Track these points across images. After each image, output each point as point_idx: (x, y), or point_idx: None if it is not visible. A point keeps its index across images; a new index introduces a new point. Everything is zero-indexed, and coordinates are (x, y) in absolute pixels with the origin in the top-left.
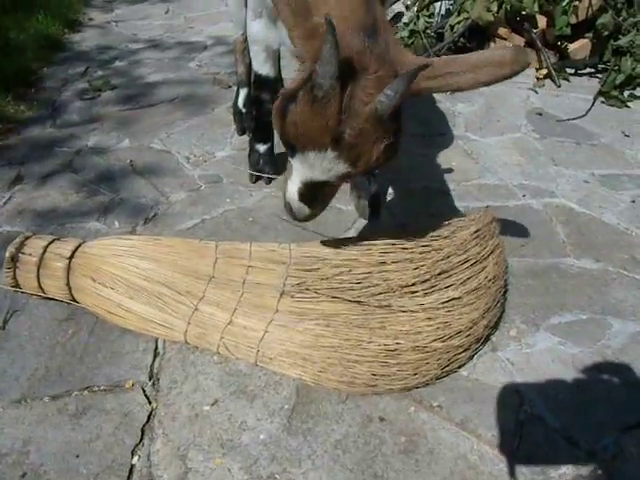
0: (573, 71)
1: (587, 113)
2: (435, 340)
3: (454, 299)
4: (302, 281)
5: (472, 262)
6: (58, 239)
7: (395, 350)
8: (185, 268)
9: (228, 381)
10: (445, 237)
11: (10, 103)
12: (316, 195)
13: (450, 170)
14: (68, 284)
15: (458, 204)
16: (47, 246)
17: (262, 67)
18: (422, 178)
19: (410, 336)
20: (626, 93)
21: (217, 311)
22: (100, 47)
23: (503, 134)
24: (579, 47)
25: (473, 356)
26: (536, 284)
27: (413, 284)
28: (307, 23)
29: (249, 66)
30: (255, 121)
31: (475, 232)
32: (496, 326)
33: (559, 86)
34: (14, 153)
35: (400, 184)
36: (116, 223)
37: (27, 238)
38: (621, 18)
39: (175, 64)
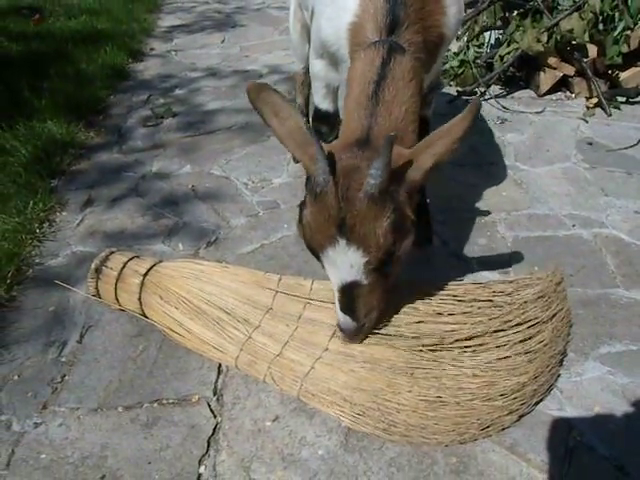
0: (624, 100)
1: (639, 142)
2: (477, 399)
3: (504, 358)
4: None
5: (530, 324)
6: (138, 257)
7: (435, 402)
8: (246, 297)
9: (288, 399)
10: (507, 294)
11: (81, 130)
12: (356, 303)
13: (500, 199)
14: (140, 299)
15: (508, 234)
16: (127, 262)
17: (322, 102)
18: (472, 207)
19: (452, 391)
20: None
21: (269, 341)
22: (161, 76)
23: (553, 164)
24: (631, 75)
25: (520, 418)
26: (585, 314)
27: (467, 339)
28: (310, 149)
29: (307, 98)
30: None
31: (539, 292)
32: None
33: (610, 115)
34: (85, 177)
35: (451, 213)
36: (180, 246)
37: (112, 253)
38: None
39: (232, 92)
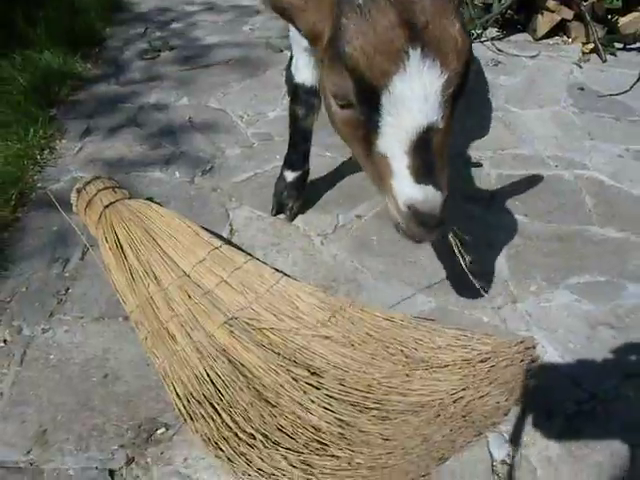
0: (622, 46)
1: (631, 89)
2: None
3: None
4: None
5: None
6: (116, 187)
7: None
8: (171, 256)
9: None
10: (433, 347)
11: (78, 61)
12: (435, 161)
13: (487, 139)
14: (97, 227)
15: (493, 171)
16: (101, 190)
17: (301, 72)
18: (459, 146)
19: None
20: None
21: (163, 308)
22: (158, 9)
23: (542, 107)
24: (630, 21)
25: None
26: (559, 247)
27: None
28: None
29: None
30: (289, 141)
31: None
32: (518, 281)
33: (605, 61)
34: (83, 108)
35: None
36: (177, 174)
37: (96, 178)
38: None
39: (229, 27)
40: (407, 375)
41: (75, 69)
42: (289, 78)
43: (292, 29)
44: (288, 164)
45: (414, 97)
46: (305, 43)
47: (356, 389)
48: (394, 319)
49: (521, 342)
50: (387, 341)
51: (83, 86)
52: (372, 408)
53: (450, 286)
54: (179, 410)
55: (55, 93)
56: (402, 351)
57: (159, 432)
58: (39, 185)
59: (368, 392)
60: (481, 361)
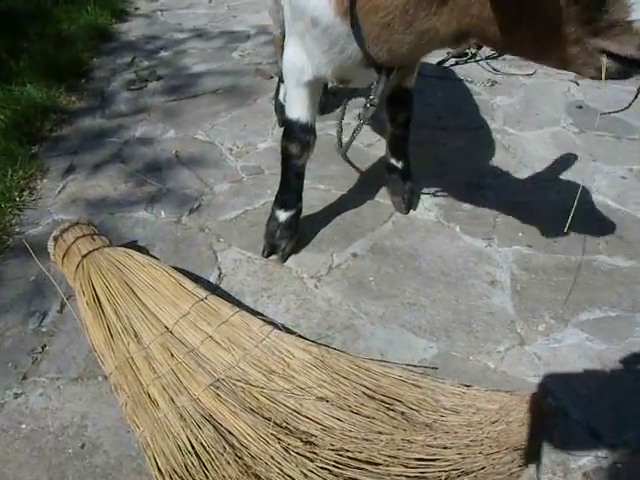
0: None
1: (630, 105)
2: None
3: None
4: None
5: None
6: (94, 234)
7: None
8: (152, 310)
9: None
10: (436, 408)
11: (63, 94)
12: None
13: (487, 164)
14: (74, 279)
15: (494, 198)
16: (78, 238)
17: (293, 108)
18: (458, 172)
19: None
20: None
21: (144, 369)
22: (146, 37)
23: (542, 128)
24: None
25: None
26: (567, 280)
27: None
28: None
29: None
30: (281, 180)
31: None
32: (525, 321)
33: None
34: (67, 143)
35: (437, 178)
36: (162, 213)
37: (75, 224)
38: None
39: (218, 54)
40: (409, 442)
41: (59, 102)
42: (279, 109)
43: (285, 58)
44: (280, 203)
45: None
46: (305, 76)
47: (355, 459)
48: (393, 375)
49: (533, 396)
50: (386, 401)
51: (67, 120)
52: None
53: (453, 329)
54: None
55: (37, 129)
56: (403, 413)
57: None
58: (17, 230)
59: (367, 463)
60: (490, 423)
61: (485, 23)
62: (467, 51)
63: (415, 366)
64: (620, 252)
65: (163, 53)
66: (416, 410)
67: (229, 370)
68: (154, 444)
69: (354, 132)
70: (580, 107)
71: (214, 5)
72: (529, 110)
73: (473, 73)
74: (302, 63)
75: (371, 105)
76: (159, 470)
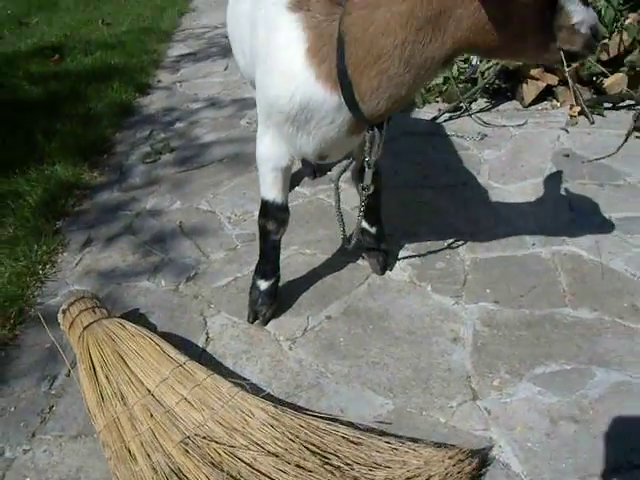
0: (610, 106)
1: (618, 150)
2: None
3: None
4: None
5: None
6: (95, 307)
7: None
8: (137, 374)
9: None
10: (368, 464)
11: (86, 171)
12: None
13: (466, 221)
14: (76, 347)
15: (467, 256)
16: (82, 311)
17: (270, 191)
18: (436, 231)
19: None
20: None
21: (127, 427)
22: (165, 109)
23: (525, 179)
24: (614, 81)
25: None
26: (528, 335)
27: None
28: None
29: None
30: (260, 253)
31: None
32: (481, 376)
33: (593, 123)
34: (86, 217)
35: (415, 237)
36: (162, 282)
37: (80, 298)
38: None
39: (228, 122)
40: None
41: (82, 179)
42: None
43: (260, 149)
44: (260, 274)
45: None
46: (282, 162)
47: None
48: (338, 432)
49: (460, 451)
50: (326, 457)
51: (88, 195)
52: None
53: (411, 386)
54: None
55: (62, 205)
56: (339, 467)
57: None
58: (38, 301)
59: None
60: (411, 477)
61: (474, 37)
62: (461, 105)
63: (359, 429)
64: (586, 304)
65: (178, 124)
66: (350, 465)
67: (198, 428)
68: None
69: (360, 210)
70: (567, 155)
71: (229, 72)
72: (515, 162)
73: (464, 127)
74: (279, 151)
75: (369, 167)
76: None
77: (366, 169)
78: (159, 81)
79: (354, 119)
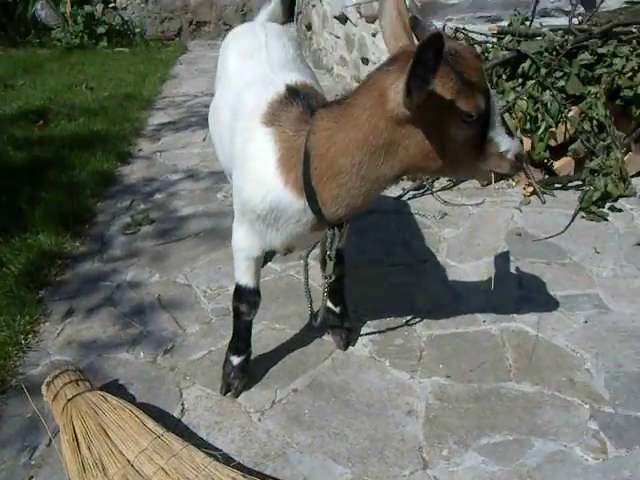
0: (560, 186)
1: (565, 230)
2: None
3: None
4: None
5: None
6: (79, 380)
7: None
8: (118, 446)
9: None
10: None
11: (68, 240)
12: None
13: (424, 298)
14: (60, 418)
15: (424, 332)
16: (66, 384)
17: (243, 277)
18: (396, 308)
19: None
20: (607, 205)
21: None
22: (145, 179)
23: (480, 258)
24: (563, 165)
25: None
26: (475, 407)
27: None
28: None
29: None
30: (233, 331)
31: None
32: (431, 446)
33: (544, 202)
34: (67, 288)
35: (375, 314)
36: (141, 354)
37: (64, 371)
38: (592, 143)
39: (205, 195)
40: None
41: (64, 248)
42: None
43: (236, 240)
44: (233, 350)
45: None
46: (254, 252)
47: None
48: None
49: None
50: None
51: (70, 265)
52: None
53: (368, 455)
54: None
55: (44, 275)
56: None
57: None
58: (20, 371)
59: None
60: None
61: (419, 161)
62: (424, 183)
63: None
64: (528, 378)
65: (157, 196)
66: None
67: None
68: None
69: (323, 294)
70: (519, 234)
71: (207, 144)
72: (472, 240)
73: (426, 205)
74: (252, 243)
75: (330, 259)
76: None
77: (327, 261)
78: (140, 150)
79: (317, 220)
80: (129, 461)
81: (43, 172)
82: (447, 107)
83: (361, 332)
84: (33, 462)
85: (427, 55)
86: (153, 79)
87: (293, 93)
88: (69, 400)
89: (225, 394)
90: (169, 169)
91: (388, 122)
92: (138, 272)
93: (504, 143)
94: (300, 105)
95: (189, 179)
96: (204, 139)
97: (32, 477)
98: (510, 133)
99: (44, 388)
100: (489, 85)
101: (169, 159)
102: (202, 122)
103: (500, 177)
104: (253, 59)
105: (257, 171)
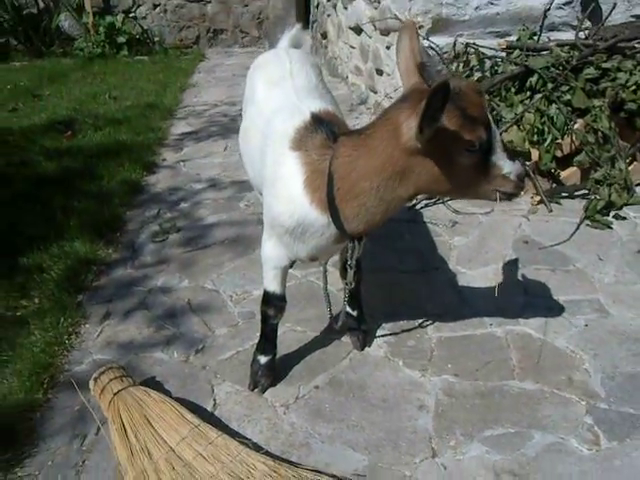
0: (567, 195)
1: (570, 237)
2: None
3: None
4: None
5: None
6: (123, 376)
7: None
8: (160, 433)
9: None
10: None
11: (102, 247)
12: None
13: (436, 303)
14: (107, 411)
15: (435, 335)
16: (112, 379)
17: (271, 284)
18: (409, 312)
19: None
20: (611, 214)
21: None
22: (170, 188)
23: (488, 265)
24: (569, 174)
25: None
26: (480, 403)
27: None
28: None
29: None
30: (260, 333)
31: None
32: (440, 437)
33: (551, 211)
34: (104, 292)
35: (390, 317)
36: (175, 354)
37: (109, 369)
38: (596, 154)
39: (228, 204)
40: None
41: (99, 255)
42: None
43: (265, 250)
44: (261, 350)
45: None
46: (282, 262)
47: None
48: None
49: None
50: None
51: (105, 271)
52: None
53: (383, 445)
54: None
55: (82, 280)
56: None
57: None
58: (66, 368)
59: None
60: None
61: (430, 185)
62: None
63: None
64: (530, 377)
65: (183, 204)
66: None
67: (211, 478)
68: None
69: (344, 300)
70: (526, 242)
71: (228, 153)
72: (481, 248)
73: (438, 214)
74: (279, 254)
75: (350, 268)
76: None
77: (348, 270)
78: (164, 160)
79: (339, 234)
80: (171, 447)
81: (74, 182)
82: (453, 138)
83: (376, 334)
84: (84, 448)
85: (436, 100)
86: (173, 88)
87: (317, 120)
88: (115, 394)
89: (253, 390)
90: (193, 178)
91: (402, 152)
92: (168, 278)
93: (506, 166)
94: (324, 132)
95: (212, 188)
96: (225, 149)
97: (85, 461)
98: (512, 157)
99: (92, 383)
100: (490, 116)
101: (192, 168)
102: (222, 132)
103: (507, 197)
104: (279, 87)
105: (286, 190)
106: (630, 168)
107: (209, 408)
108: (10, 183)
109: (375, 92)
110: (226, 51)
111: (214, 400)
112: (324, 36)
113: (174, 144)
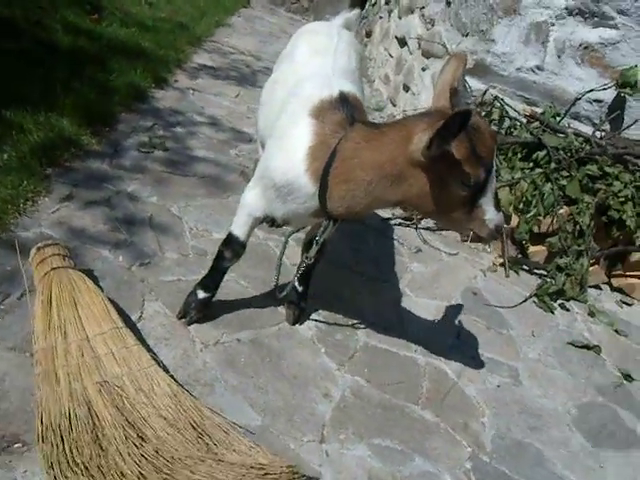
0: (527, 269)
1: (515, 306)
2: None
3: None
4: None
5: None
6: (67, 256)
7: None
8: (86, 319)
9: None
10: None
11: (87, 135)
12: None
13: (374, 312)
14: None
15: (363, 339)
16: (55, 254)
17: (239, 228)
18: (349, 310)
19: None
20: (558, 301)
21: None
22: (172, 110)
23: (434, 299)
24: (536, 251)
25: None
26: (380, 413)
27: None
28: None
29: None
30: (209, 271)
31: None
32: (334, 427)
33: (508, 276)
34: (73, 175)
35: (328, 307)
36: (120, 258)
37: (55, 244)
38: (567, 244)
39: (220, 146)
40: (201, 460)
41: (81, 140)
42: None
43: (245, 196)
44: (202, 285)
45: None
46: (257, 213)
47: (162, 457)
48: (215, 420)
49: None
50: (202, 434)
51: (81, 157)
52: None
53: (280, 414)
54: (37, 433)
55: (57, 156)
56: (207, 444)
57: (16, 446)
58: (12, 229)
59: (168, 462)
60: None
61: (416, 199)
62: (413, 217)
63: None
64: (432, 409)
65: (179, 129)
66: (216, 445)
67: (115, 379)
68: (45, 405)
69: (297, 273)
70: (475, 294)
71: (238, 101)
72: (434, 282)
73: (407, 236)
74: (258, 204)
75: (316, 244)
76: (41, 421)
77: (314, 245)
78: (176, 81)
79: (319, 208)
80: (88, 337)
81: (83, 63)
82: (453, 167)
83: (311, 317)
84: (2, 307)
85: (454, 123)
86: (210, 20)
87: (343, 100)
88: (53, 269)
89: (180, 319)
90: (197, 109)
91: (405, 159)
92: (139, 188)
93: (490, 213)
94: (344, 112)
95: (211, 126)
96: (236, 95)
97: None
98: (498, 208)
99: (33, 251)
100: (495, 163)
101: (200, 100)
102: (240, 79)
103: (478, 239)
104: (320, 57)
105: (290, 149)
106: (591, 269)
107: (134, 318)
108: (20, 37)
109: (394, 105)
110: (272, 8)
111: (141, 313)
112: (368, 35)
113: (191, 71)
